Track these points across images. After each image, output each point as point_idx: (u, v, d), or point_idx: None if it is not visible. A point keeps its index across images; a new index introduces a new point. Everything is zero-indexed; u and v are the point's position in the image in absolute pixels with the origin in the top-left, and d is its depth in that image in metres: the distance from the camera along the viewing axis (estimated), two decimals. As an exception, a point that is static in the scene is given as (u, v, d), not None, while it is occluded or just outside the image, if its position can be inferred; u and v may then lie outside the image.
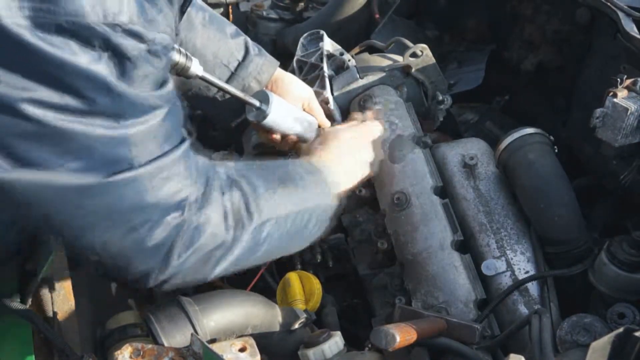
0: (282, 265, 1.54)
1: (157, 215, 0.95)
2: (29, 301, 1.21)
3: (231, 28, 1.43)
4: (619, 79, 1.26)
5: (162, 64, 0.90)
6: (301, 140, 1.47)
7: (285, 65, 1.54)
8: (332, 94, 1.56)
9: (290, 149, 1.48)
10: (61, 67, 0.79)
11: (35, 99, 0.80)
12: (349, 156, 1.34)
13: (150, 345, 1.03)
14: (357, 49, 1.73)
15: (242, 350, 1.09)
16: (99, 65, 0.82)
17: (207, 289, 1.29)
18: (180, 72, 1.21)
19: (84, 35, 0.80)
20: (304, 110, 1.47)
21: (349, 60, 1.60)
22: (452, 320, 1.19)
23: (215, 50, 1.38)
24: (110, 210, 0.91)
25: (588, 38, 1.56)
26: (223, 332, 1.18)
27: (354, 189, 1.39)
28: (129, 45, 0.83)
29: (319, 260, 1.52)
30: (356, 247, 1.51)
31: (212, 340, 1.15)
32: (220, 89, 1.34)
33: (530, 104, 1.84)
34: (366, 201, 1.51)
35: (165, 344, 1.10)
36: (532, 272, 1.31)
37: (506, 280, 1.31)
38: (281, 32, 2.05)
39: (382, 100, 1.53)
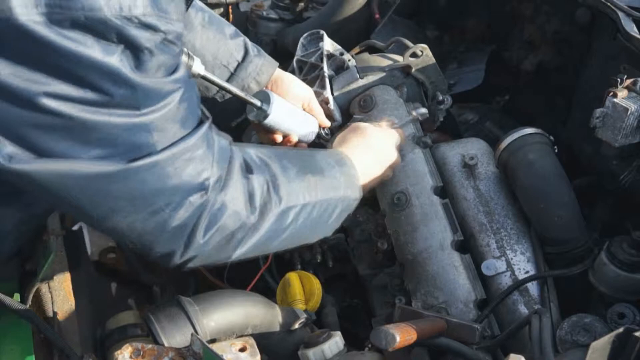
0: (282, 265, 1.54)
1: (180, 197, 0.97)
2: (29, 301, 1.21)
3: (230, 29, 1.43)
4: (619, 79, 1.26)
5: (176, 51, 0.92)
6: (302, 140, 1.47)
7: (285, 65, 1.54)
8: (332, 94, 1.56)
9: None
10: (78, 62, 0.81)
11: (54, 93, 0.82)
12: (375, 154, 1.35)
13: (150, 345, 1.03)
14: (357, 49, 1.73)
15: (242, 350, 1.09)
16: (115, 58, 0.83)
17: (207, 289, 1.29)
18: None
19: (100, 29, 0.81)
20: (304, 110, 1.47)
21: (349, 60, 1.60)
22: (452, 320, 1.19)
23: (215, 51, 1.38)
24: (133, 195, 0.93)
25: (588, 38, 1.56)
26: (223, 332, 1.18)
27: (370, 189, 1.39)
28: (144, 37, 0.84)
29: (319, 260, 1.52)
30: (356, 247, 1.51)
31: (212, 340, 1.15)
32: (221, 88, 1.34)
33: (530, 104, 1.84)
34: (366, 201, 1.51)
35: (165, 344, 1.10)
36: (532, 272, 1.31)
37: (506, 280, 1.31)
38: (281, 32, 2.05)
39: (382, 101, 1.53)
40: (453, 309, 1.28)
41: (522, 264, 1.32)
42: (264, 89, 1.41)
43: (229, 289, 1.31)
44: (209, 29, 1.38)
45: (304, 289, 1.41)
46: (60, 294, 1.26)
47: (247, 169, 1.07)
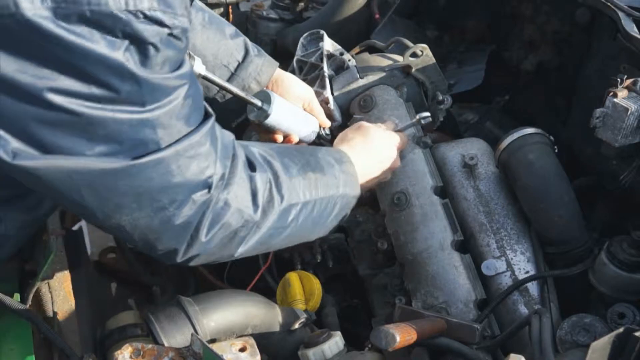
0: (282, 265, 1.54)
1: (184, 195, 0.97)
2: (29, 301, 1.21)
3: (230, 29, 1.43)
4: (619, 79, 1.26)
5: (182, 46, 0.91)
6: (302, 140, 1.47)
7: (285, 65, 1.54)
8: (332, 94, 1.56)
9: None
10: (84, 57, 0.81)
11: (60, 89, 0.82)
12: (375, 155, 1.35)
13: (150, 345, 1.03)
14: (357, 49, 1.73)
15: (242, 350, 1.09)
16: (121, 53, 0.83)
17: (207, 289, 1.29)
18: None
19: (106, 23, 0.81)
20: (304, 110, 1.47)
21: (349, 60, 1.60)
22: (452, 320, 1.19)
23: (215, 50, 1.38)
24: (138, 191, 0.93)
25: (588, 38, 1.56)
26: (223, 332, 1.18)
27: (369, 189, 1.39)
28: (151, 31, 0.84)
29: (319, 260, 1.52)
30: (356, 247, 1.51)
31: (212, 340, 1.16)
32: (222, 88, 1.34)
33: (530, 104, 1.84)
34: (366, 201, 1.51)
35: (165, 344, 1.10)
36: (532, 272, 1.31)
37: (506, 280, 1.31)
38: (281, 32, 2.05)
39: (382, 101, 1.53)
40: (453, 309, 1.28)
41: (522, 264, 1.32)
42: (265, 89, 1.41)
43: (229, 289, 1.31)
44: (209, 29, 1.38)
45: (304, 289, 1.41)
46: (60, 294, 1.26)
47: (250, 167, 1.08)
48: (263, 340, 1.19)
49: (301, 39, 1.64)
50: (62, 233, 1.33)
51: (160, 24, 0.85)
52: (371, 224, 1.49)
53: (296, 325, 1.27)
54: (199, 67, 1.23)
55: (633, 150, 1.30)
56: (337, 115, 1.57)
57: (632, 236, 1.19)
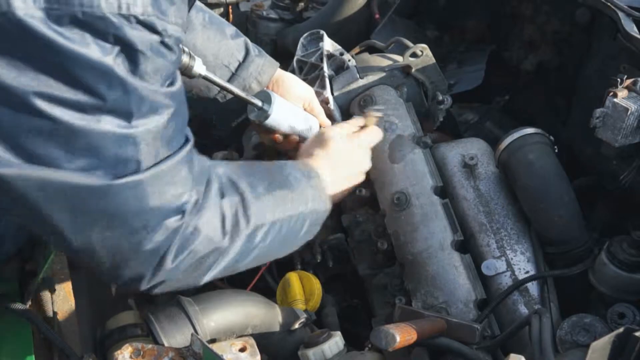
0: (282, 265, 1.54)
1: (158, 219, 0.94)
2: (29, 301, 1.21)
3: (231, 29, 1.43)
4: (619, 79, 1.26)
5: (173, 57, 0.90)
6: (302, 140, 1.47)
7: (285, 65, 1.54)
8: (332, 94, 1.56)
9: (292, 149, 1.48)
10: (74, 60, 0.79)
11: (47, 94, 0.80)
12: (342, 163, 1.32)
13: (150, 345, 1.03)
14: (357, 49, 1.73)
15: (242, 350, 1.09)
16: (111, 58, 0.82)
17: (207, 289, 1.29)
18: (183, 71, 1.21)
19: (98, 26, 0.80)
20: (304, 110, 1.47)
21: (349, 60, 1.60)
22: (452, 320, 1.19)
23: (216, 51, 1.38)
24: (112, 212, 0.90)
25: (588, 38, 1.56)
26: (223, 332, 1.18)
27: (350, 191, 1.38)
28: (143, 36, 0.83)
29: (319, 260, 1.52)
30: (356, 247, 1.51)
31: (212, 340, 1.16)
32: (222, 88, 1.34)
33: (530, 104, 1.84)
34: (366, 201, 1.51)
35: (165, 344, 1.10)
36: (532, 272, 1.31)
37: (506, 281, 1.31)
38: (281, 32, 2.05)
39: (382, 101, 1.53)
40: (453, 309, 1.28)
41: (522, 264, 1.32)
42: (265, 89, 1.41)
43: (229, 289, 1.30)
44: (209, 29, 1.38)
45: (304, 289, 1.41)
46: (60, 294, 1.26)
47: (221, 190, 1.04)
48: (263, 340, 1.19)
49: (301, 39, 1.64)
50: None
51: (153, 30, 0.84)
52: (371, 224, 1.48)
53: (296, 325, 1.27)
54: (200, 68, 1.23)
55: (633, 150, 1.30)
56: (337, 115, 1.57)
57: (632, 236, 1.19)
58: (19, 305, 1.15)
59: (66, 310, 1.24)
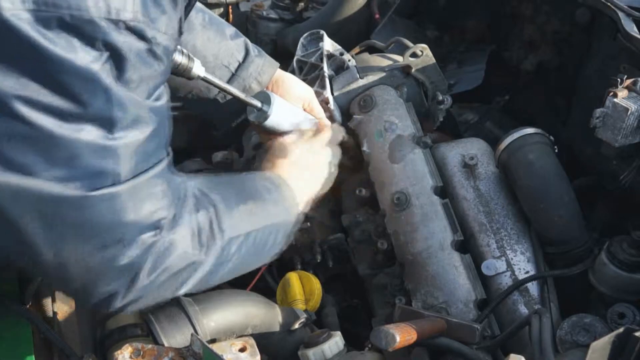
0: (282, 265, 1.54)
1: (133, 234, 0.92)
2: (29, 301, 1.21)
3: (230, 29, 1.43)
4: (619, 79, 1.26)
5: (160, 68, 0.88)
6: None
7: (285, 65, 1.54)
8: (332, 94, 1.56)
9: None
10: (59, 65, 0.78)
11: (29, 98, 0.78)
12: (307, 169, 1.31)
13: (150, 345, 1.03)
14: (357, 49, 1.73)
15: (242, 350, 1.09)
16: (97, 65, 0.80)
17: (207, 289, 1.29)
18: (182, 73, 1.21)
19: (86, 31, 0.78)
20: (304, 110, 1.47)
21: (349, 60, 1.60)
22: (452, 320, 1.19)
23: (216, 51, 1.38)
24: (87, 224, 0.88)
25: (588, 38, 1.56)
26: (223, 332, 1.18)
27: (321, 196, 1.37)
28: (130, 43, 0.82)
29: (319, 260, 1.52)
30: (356, 247, 1.51)
31: (212, 340, 1.16)
32: (221, 89, 1.34)
33: (530, 104, 1.84)
34: (366, 201, 1.51)
35: (165, 344, 1.10)
36: (532, 272, 1.31)
37: (506, 281, 1.31)
38: (281, 32, 2.05)
39: (382, 101, 1.53)
40: (453, 309, 1.28)
41: (522, 264, 1.32)
42: (265, 90, 1.41)
43: (229, 289, 1.30)
44: (209, 30, 1.38)
45: (304, 289, 1.41)
46: (60, 294, 1.26)
47: (195, 205, 1.03)
48: (263, 340, 1.19)
49: (301, 39, 1.64)
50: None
51: (142, 37, 0.83)
52: (371, 224, 1.48)
53: (296, 325, 1.27)
54: (198, 69, 1.23)
55: (633, 150, 1.30)
56: (337, 115, 1.57)
57: (632, 236, 1.19)
58: (19, 305, 1.15)
59: (66, 310, 1.24)
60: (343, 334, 1.26)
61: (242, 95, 1.34)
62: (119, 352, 1.02)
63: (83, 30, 0.78)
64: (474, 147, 1.47)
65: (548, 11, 1.70)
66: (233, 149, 1.76)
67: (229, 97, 1.40)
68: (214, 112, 1.48)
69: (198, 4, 1.38)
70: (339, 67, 1.62)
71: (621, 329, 0.93)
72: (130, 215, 0.91)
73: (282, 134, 1.43)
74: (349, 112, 1.58)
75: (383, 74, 1.59)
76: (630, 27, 1.37)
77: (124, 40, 0.81)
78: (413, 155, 1.45)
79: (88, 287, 0.94)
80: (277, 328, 1.26)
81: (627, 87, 1.25)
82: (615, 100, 1.23)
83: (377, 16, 1.90)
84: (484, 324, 1.23)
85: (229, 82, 1.39)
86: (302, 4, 2.12)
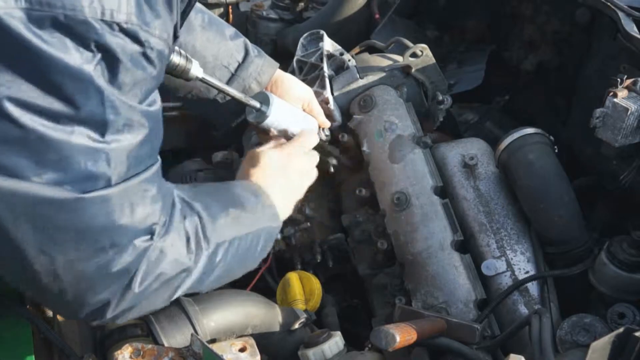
0: (282, 265, 1.54)
1: (127, 239, 0.91)
2: (29, 301, 1.21)
3: (230, 30, 1.43)
4: (619, 79, 1.26)
5: (154, 72, 0.88)
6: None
7: (285, 65, 1.54)
8: (332, 94, 1.56)
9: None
10: (52, 66, 0.77)
11: (20, 99, 0.77)
12: (282, 176, 1.30)
13: (150, 345, 1.03)
14: (357, 49, 1.73)
15: (242, 350, 1.09)
16: (91, 66, 0.79)
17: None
18: (180, 74, 1.21)
19: (80, 31, 0.77)
20: (304, 110, 1.47)
21: (349, 60, 1.60)
22: (452, 320, 1.19)
23: (215, 51, 1.38)
24: (79, 228, 0.86)
25: (588, 38, 1.56)
26: (223, 332, 1.18)
27: (297, 206, 1.35)
28: (124, 45, 0.81)
29: (319, 260, 1.52)
30: (356, 247, 1.51)
31: (212, 340, 1.16)
32: (220, 90, 1.34)
33: (530, 104, 1.84)
34: (366, 201, 1.51)
35: (165, 344, 1.10)
36: (532, 272, 1.31)
37: (506, 281, 1.31)
38: (281, 32, 2.05)
39: (382, 101, 1.53)
40: (453, 309, 1.28)
41: (522, 264, 1.32)
42: (264, 90, 1.41)
43: (229, 289, 1.30)
44: (209, 30, 1.38)
45: (304, 289, 1.41)
46: (60, 294, 1.26)
47: (183, 212, 1.03)
48: (263, 340, 1.19)
49: (301, 39, 1.64)
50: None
51: (135, 40, 0.82)
52: (371, 224, 1.49)
53: (296, 325, 1.27)
54: (197, 70, 1.23)
55: (633, 150, 1.30)
56: (337, 115, 1.57)
57: (632, 236, 1.19)
58: (19, 305, 1.15)
59: (66, 310, 1.24)
60: (343, 334, 1.26)
61: (240, 96, 1.34)
62: (119, 352, 1.02)
63: (77, 31, 0.77)
64: (474, 147, 1.47)
65: (548, 11, 1.70)
66: (233, 149, 1.76)
67: (228, 97, 1.40)
68: (213, 112, 1.48)
69: (198, 5, 1.38)
70: (339, 67, 1.62)
71: (621, 329, 0.93)
72: (123, 218, 0.90)
73: (282, 134, 1.43)
74: (349, 112, 1.58)
75: (383, 74, 1.59)
76: (630, 27, 1.37)
77: (118, 42, 0.81)
78: (413, 155, 1.45)
79: (78, 298, 0.91)
80: (277, 328, 1.26)
81: (627, 87, 1.25)
82: (615, 100, 1.23)
83: (377, 16, 1.90)
84: (484, 324, 1.23)
85: (228, 82, 1.39)
86: (302, 4, 2.12)
